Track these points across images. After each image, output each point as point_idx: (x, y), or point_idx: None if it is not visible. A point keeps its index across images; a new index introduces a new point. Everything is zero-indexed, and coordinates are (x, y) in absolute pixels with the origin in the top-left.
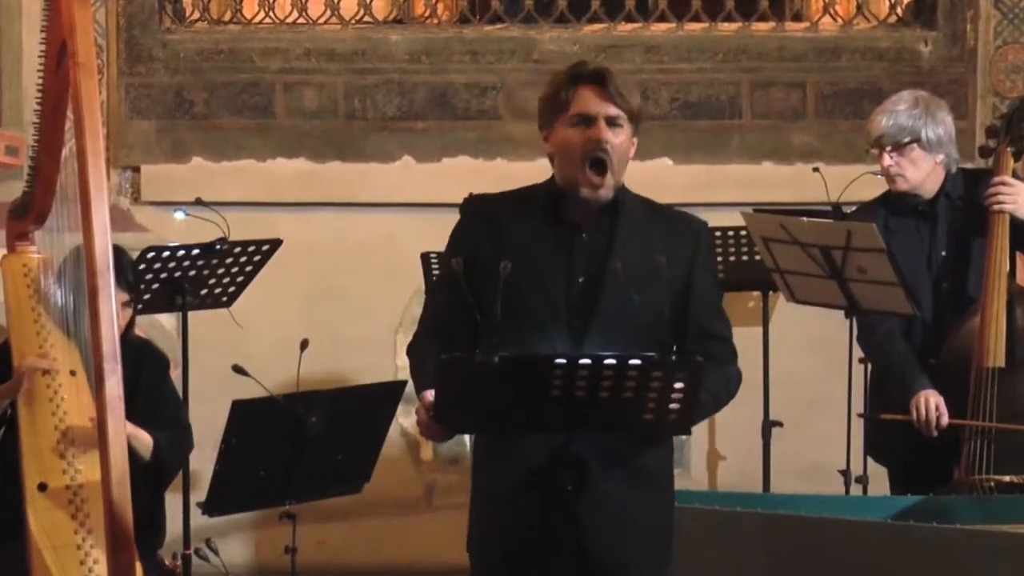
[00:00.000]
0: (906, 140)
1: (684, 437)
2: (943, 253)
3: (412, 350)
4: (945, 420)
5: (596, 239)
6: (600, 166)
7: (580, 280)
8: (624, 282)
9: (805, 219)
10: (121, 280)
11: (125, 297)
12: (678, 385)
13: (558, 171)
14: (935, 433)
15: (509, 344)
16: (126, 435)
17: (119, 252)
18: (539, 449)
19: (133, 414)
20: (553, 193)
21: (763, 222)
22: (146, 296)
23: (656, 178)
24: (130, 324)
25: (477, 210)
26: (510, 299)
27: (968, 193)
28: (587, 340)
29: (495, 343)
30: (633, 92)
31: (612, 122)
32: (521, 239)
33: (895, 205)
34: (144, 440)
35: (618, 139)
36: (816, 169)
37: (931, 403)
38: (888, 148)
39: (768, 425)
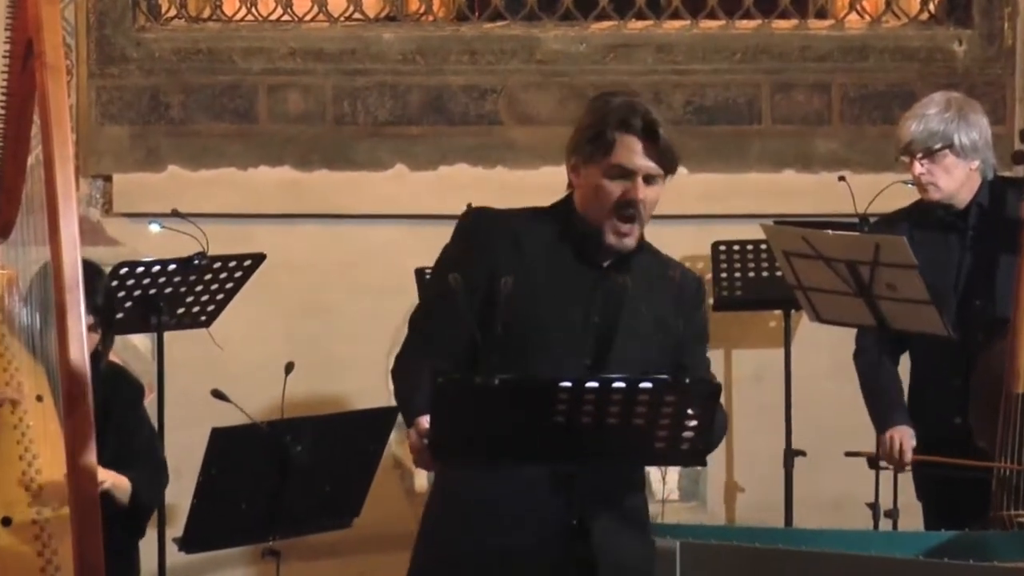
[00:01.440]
0: (938, 146)
1: (699, 468)
2: (973, 268)
3: (397, 374)
4: (908, 459)
5: (613, 284)
6: (630, 220)
7: (595, 320)
8: (639, 330)
9: (830, 232)
10: (88, 302)
11: (90, 320)
12: (693, 411)
13: (581, 205)
14: (902, 470)
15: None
16: (105, 482)
17: (94, 272)
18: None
19: (104, 448)
20: (577, 225)
21: (785, 235)
22: (118, 315)
23: (669, 188)
24: (100, 351)
25: (493, 225)
26: (528, 329)
27: (1001, 203)
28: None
29: (495, 363)
30: (675, 149)
31: (650, 179)
32: (545, 267)
33: (920, 215)
34: (123, 486)
35: (652, 194)
36: (842, 178)
37: (896, 440)
38: (919, 155)
39: (790, 454)
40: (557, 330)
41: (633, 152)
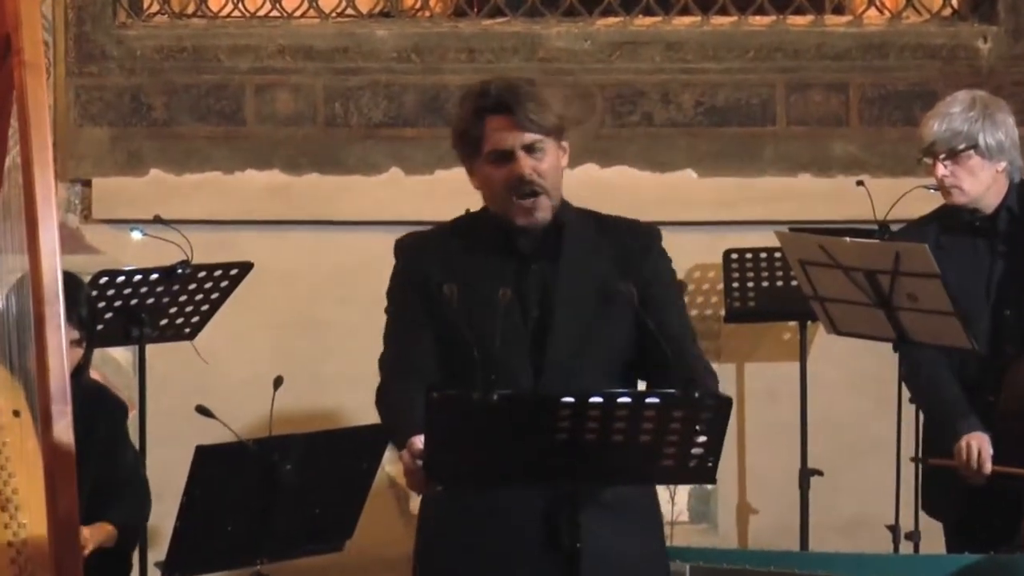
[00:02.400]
0: (962, 147)
1: (709, 487)
2: (1003, 276)
3: (382, 400)
4: (988, 468)
5: (545, 267)
6: (530, 195)
7: (535, 314)
8: (575, 311)
9: (848, 239)
10: (73, 315)
11: (76, 335)
12: (702, 426)
13: (489, 203)
14: (983, 481)
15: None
16: (88, 546)
17: (75, 284)
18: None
19: (85, 470)
20: (497, 222)
21: (800, 243)
22: (98, 327)
23: (678, 192)
24: (83, 366)
25: (418, 250)
26: (464, 342)
27: None
28: (544, 376)
29: (494, 379)
30: (548, 106)
31: (531, 149)
32: (475, 274)
33: (948, 220)
34: (108, 539)
35: (544, 164)
36: (860, 182)
37: (973, 447)
38: (942, 156)
39: (806, 474)
40: (502, 334)
41: (500, 132)
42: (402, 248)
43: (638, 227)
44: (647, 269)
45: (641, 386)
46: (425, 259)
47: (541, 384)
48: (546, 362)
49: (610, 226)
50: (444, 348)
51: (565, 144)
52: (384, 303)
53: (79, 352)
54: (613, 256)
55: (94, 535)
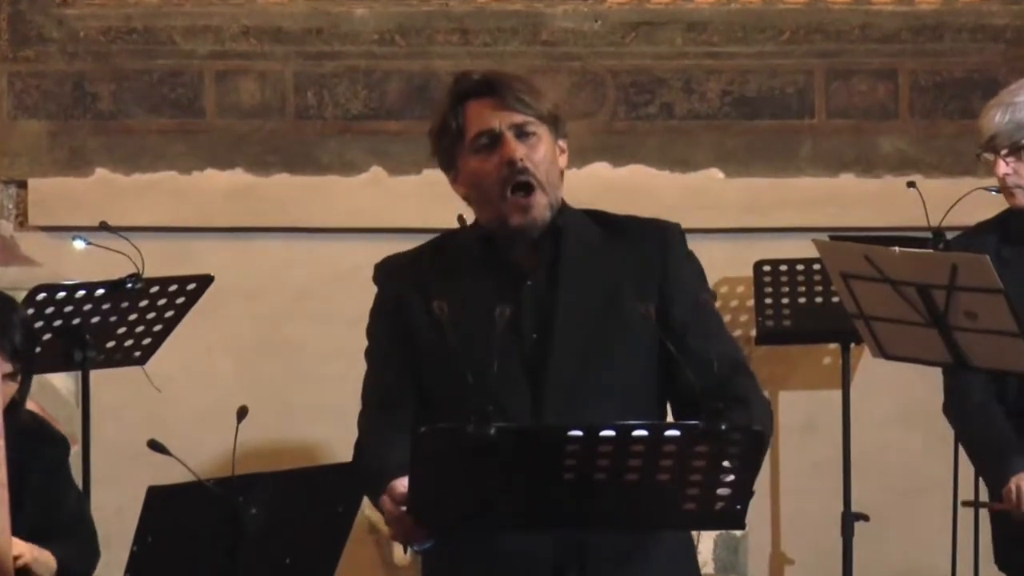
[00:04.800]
0: None
1: (737, 533)
2: None
3: (365, 448)
4: None
5: (543, 282)
6: (525, 188)
7: (534, 336)
8: (578, 332)
9: (897, 249)
10: (4, 343)
11: (8, 368)
12: (729, 463)
13: (480, 213)
14: None
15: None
16: (23, 556)
17: (8, 305)
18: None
19: (21, 516)
20: (483, 236)
21: (842, 253)
22: (36, 351)
23: (702, 195)
24: (18, 402)
25: (395, 274)
26: (456, 370)
27: None
28: (545, 409)
29: (490, 411)
30: (538, 91)
31: (521, 131)
32: (462, 293)
33: (1011, 228)
34: (46, 563)
35: (538, 152)
36: (911, 184)
37: (1019, 489)
38: (1004, 152)
39: (850, 518)
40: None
41: (483, 113)
42: (378, 274)
43: (654, 226)
44: (669, 278)
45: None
46: (403, 283)
47: (540, 418)
48: (546, 392)
49: (619, 227)
50: (432, 381)
51: (563, 143)
52: (366, 320)
53: (13, 387)
54: (624, 264)
55: (28, 549)
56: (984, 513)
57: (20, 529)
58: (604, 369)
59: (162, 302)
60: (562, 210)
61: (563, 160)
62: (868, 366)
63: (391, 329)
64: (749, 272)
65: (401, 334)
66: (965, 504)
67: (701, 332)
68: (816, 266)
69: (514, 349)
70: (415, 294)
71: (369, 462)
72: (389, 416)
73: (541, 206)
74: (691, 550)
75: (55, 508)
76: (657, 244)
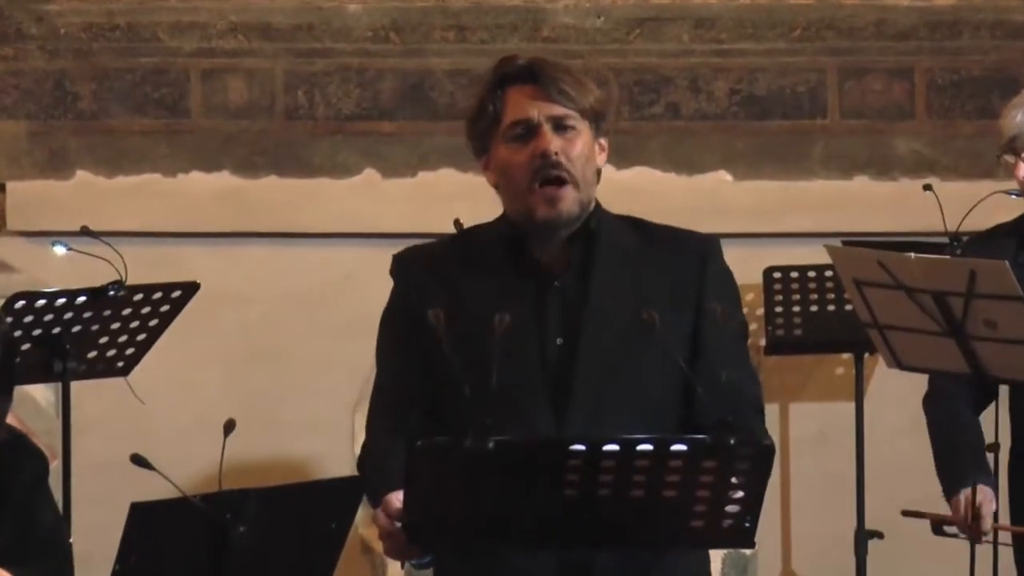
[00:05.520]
0: None
1: (746, 551)
2: None
3: (366, 455)
4: (988, 524)
5: (572, 285)
6: (555, 181)
7: (558, 341)
8: (608, 341)
9: (912, 255)
10: None
11: None
12: (738, 479)
13: (507, 204)
14: (980, 541)
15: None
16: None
17: None
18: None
19: None
20: (510, 232)
21: (856, 259)
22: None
23: (710, 199)
24: None
25: (412, 267)
26: (479, 375)
27: None
28: (569, 420)
29: (489, 424)
30: (583, 84)
31: (560, 125)
32: (478, 296)
33: None
34: None
35: (575, 147)
36: (928, 187)
37: (968, 501)
38: None
39: (863, 536)
40: (512, 367)
41: (522, 101)
42: (396, 265)
43: (693, 238)
44: (705, 293)
45: None
46: (419, 277)
47: (562, 427)
48: (569, 401)
49: (656, 235)
50: (441, 383)
51: (604, 141)
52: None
53: None
54: (659, 274)
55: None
56: (1005, 533)
57: None
58: (631, 381)
59: (146, 310)
60: (596, 212)
61: (602, 159)
62: (882, 377)
63: (403, 324)
64: (758, 279)
65: (414, 329)
66: (905, 514)
67: (724, 357)
68: (828, 273)
69: (536, 353)
70: (427, 290)
71: (369, 471)
72: (395, 419)
73: (570, 200)
74: (705, 569)
75: (32, 526)
76: (696, 257)
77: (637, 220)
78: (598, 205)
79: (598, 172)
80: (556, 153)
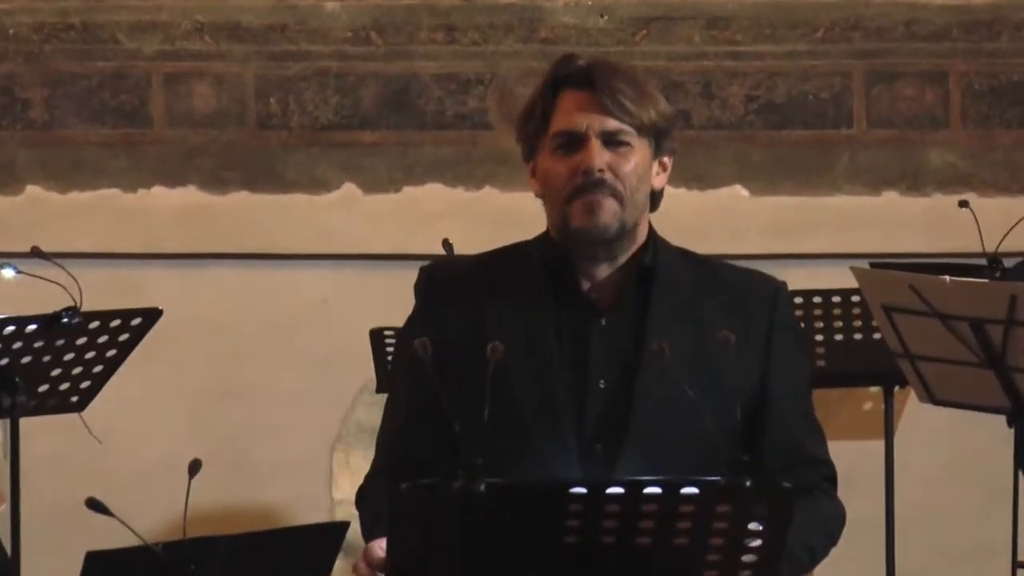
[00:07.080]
0: None
1: None
2: None
3: (360, 496)
4: None
5: (621, 322)
6: (591, 190)
7: (600, 384)
8: (671, 376)
9: (947, 278)
10: None
11: None
12: (756, 525)
13: (549, 216)
14: None
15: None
16: None
17: None
18: None
19: None
20: (551, 252)
21: (885, 283)
22: None
23: (723, 216)
24: None
25: (439, 288)
26: (497, 413)
27: None
28: (616, 472)
29: (480, 464)
30: (646, 94)
31: (613, 141)
32: (509, 326)
33: None
34: None
35: (626, 163)
36: (964, 203)
37: None
38: None
39: None
40: (540, 409)
41: (572, 110)
42: (423, 280)
43: (760, 281)
44: (773, 349)
45: None
46: (447, 299)
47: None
48: (608, 455)
49: (718, 275)
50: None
51: (667, 160)
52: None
53: None
54: (723, 320)
55: None
56: None
57: None
58: (688, 422)
59: (103, 339)
60: (653, 242)
61: (660, 180)
62: (914, 412)
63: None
64: None
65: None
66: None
67: (793, 406)
68: (855, 298)
69: (572, 395)
70: (454, 315)
71: (361, 513)
72: (406, 449)
73: (610, 212)
74: None
75: None
76: (765, 306)
77: (693, 255)
78: (656, 235)
79: (657, 195)
80: (601, 170)
